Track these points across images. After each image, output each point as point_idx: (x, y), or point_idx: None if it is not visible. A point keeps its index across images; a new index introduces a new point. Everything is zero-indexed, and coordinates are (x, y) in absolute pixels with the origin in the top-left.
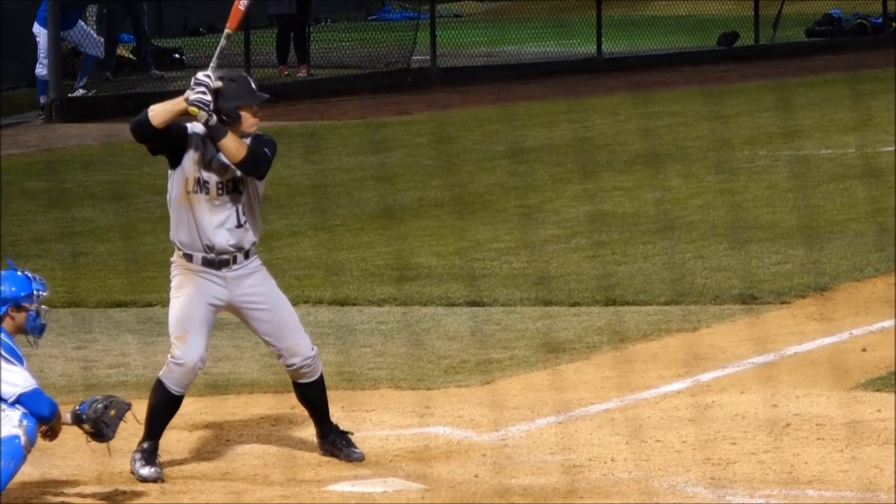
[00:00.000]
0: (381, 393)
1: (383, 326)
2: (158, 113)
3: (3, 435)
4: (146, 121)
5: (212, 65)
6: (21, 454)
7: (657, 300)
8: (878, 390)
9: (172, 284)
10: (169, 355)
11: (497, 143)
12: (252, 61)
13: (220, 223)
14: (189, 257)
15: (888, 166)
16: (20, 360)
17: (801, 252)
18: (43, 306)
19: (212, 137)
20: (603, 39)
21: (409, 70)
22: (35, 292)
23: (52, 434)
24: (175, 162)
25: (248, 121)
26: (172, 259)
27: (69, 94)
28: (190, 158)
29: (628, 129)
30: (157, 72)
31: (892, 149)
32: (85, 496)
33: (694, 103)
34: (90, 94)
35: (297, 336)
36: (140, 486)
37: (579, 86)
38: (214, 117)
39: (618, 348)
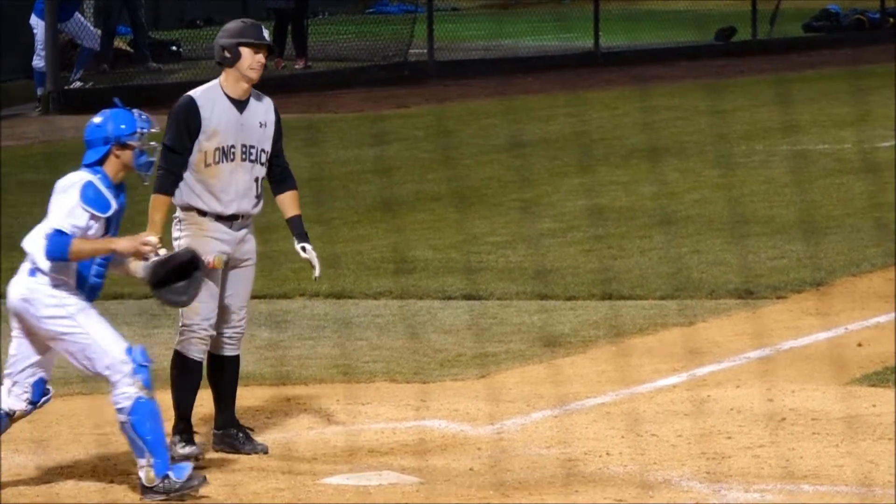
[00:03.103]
0: (377, 386)
1: (380, 319)
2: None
3: None
4: None
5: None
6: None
7: (654, 294)
8: (873, 385)
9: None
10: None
11: (494, 137)
12: None
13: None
14: (203, 213)
15: (885, 161)
16: (102, 208)
17: (798, 247)
18: (152, 142)
19: None
20: (601, 33)
21: (407, 63)
22: (139, 130)
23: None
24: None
25: (246, 61)
26: (178, 215)
27: (66, 86)
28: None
29: (626, 123)
30: (154, 64)
31: (889, 144)
32: (80, 488)
33: (692, 98)
34: (87, 86)
35: (247, 305)
36: (135, 478)
37: (577, 79)
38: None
39: (614, 342)
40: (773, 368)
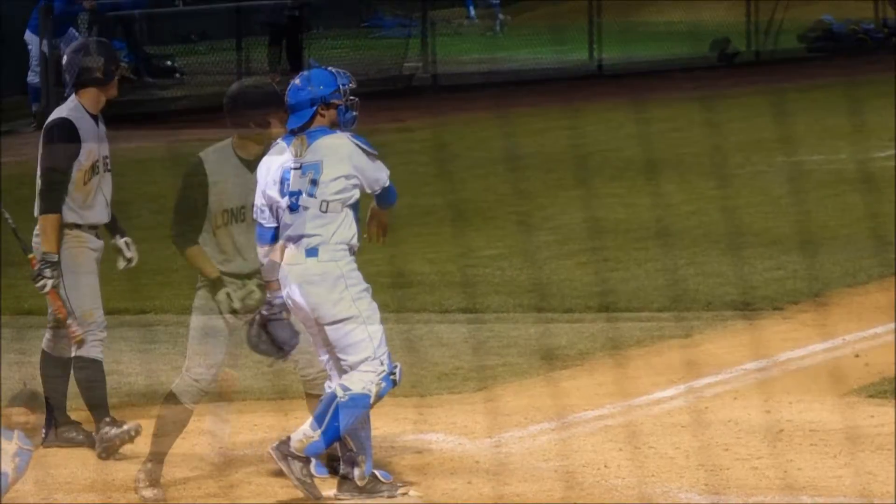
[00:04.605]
0: None
1: None
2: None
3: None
4: None
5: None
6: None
7: (651, 307)
8: (871, 396)
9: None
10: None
11: (490, 151)
12: (244, 69)
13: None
14: (79, 226)
15: (881, 172)
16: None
17: (795, 258)
18: (351, 97)
19: None
20: (595, 47)
21: (402, 77)
22: (340, 87)
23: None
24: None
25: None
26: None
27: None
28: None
29: (622, 137)
30: (150, 79)
31: (884, 154)
32: None
33: (687, 110)
34: None
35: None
36: (133, 495)
37: (573, 93)
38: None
39: (612, 355)
40: (771, 380)
